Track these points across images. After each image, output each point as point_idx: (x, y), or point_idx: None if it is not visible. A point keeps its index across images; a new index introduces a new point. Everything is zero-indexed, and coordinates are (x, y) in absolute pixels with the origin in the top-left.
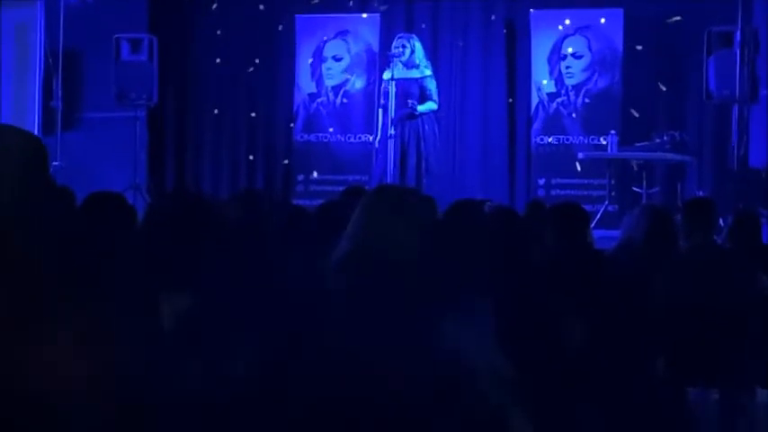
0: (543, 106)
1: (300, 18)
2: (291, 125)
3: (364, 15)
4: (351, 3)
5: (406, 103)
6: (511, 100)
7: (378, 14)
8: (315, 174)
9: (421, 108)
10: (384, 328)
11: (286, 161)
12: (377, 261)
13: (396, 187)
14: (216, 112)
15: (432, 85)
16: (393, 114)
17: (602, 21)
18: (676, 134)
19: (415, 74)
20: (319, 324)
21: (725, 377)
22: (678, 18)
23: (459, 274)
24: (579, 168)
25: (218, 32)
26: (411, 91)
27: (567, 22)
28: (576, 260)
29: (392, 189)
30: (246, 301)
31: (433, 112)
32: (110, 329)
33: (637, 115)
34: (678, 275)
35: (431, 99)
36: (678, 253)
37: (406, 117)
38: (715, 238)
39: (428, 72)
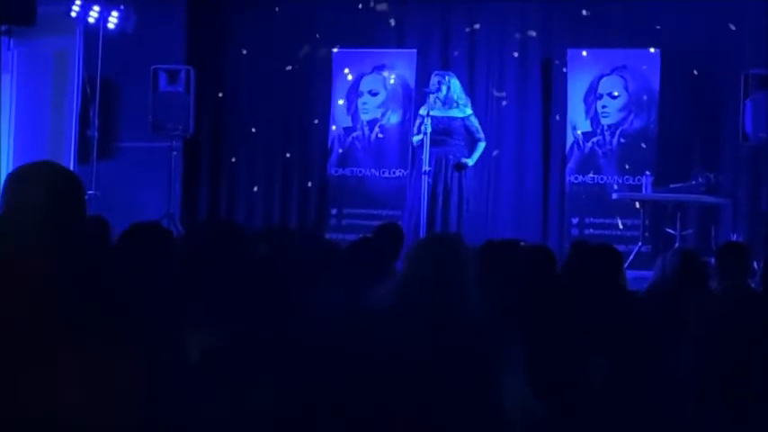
0: (578, 145)
1: (338, 52)
2: (326, 159)
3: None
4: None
5: (447, 141)
6: (546, 139)
7: (415, 50)
8: (343, 209)
9: (472, 161)
10: (430, 363)
11: (318, 195)
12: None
13: (452, 236)
14: (251, 144)
15: (475, 123)
16: (428, 151)
17: (644, 67)
18: (711, 176)
19: (456, 113)
20: (352, 364)
21: (756, 423)
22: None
23: (496, 313)
24: (613, 208)
25: (255, 66)
26: (456, 129)
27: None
28: (609, 301)
29: (450, 238)
30: (272, 337)
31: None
32: (131, 360)
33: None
34: (710, 318)
35: (476, 137)
36: (710, 295)
37: (455, 168)
38: (749, 281)
39: (469, 111)
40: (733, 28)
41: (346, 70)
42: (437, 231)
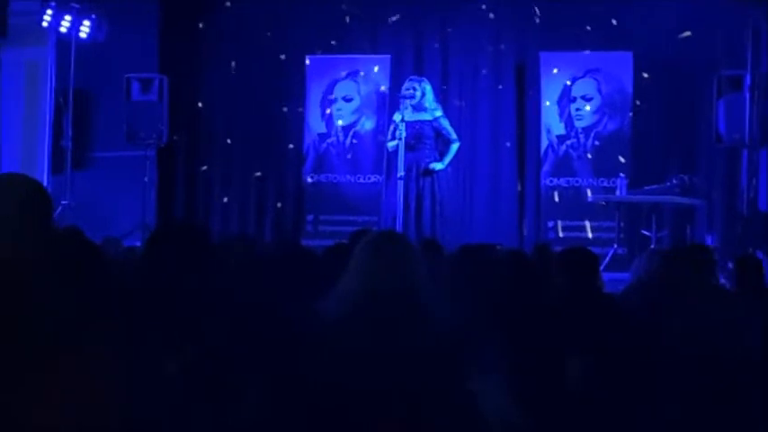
0: (553, 148)
1: (311, 59)
2: (301, 166)
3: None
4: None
5: (418, 146)
6: (520, 143)
7: (389, 56)
8: (319, 215)
9: (443, 164)
10: (401, 371)
11: (295, 202)
12: (391, 307)
13: (397, 234)
14: (225, 152)
15: (445, 123)
16: (403, 156)
17: (617, 70)
18: (686, 177)
19: (426, 116)
20: (325, 367)
21: (736, 425)
22: (688, 33)
23: (469, 318)
24: (588, 211)
25: (229, 73)
26: (425, 133)
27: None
28: (586, 304)
29: (391, 234)
30: (249, 344)
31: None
32: (107, 373)
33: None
34: (686, 320)
35: (449, 138)
36: (686, 297)
37: (423, 174)
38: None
39: (439, 113)
40: (688, 34)
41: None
42: (396, 233)
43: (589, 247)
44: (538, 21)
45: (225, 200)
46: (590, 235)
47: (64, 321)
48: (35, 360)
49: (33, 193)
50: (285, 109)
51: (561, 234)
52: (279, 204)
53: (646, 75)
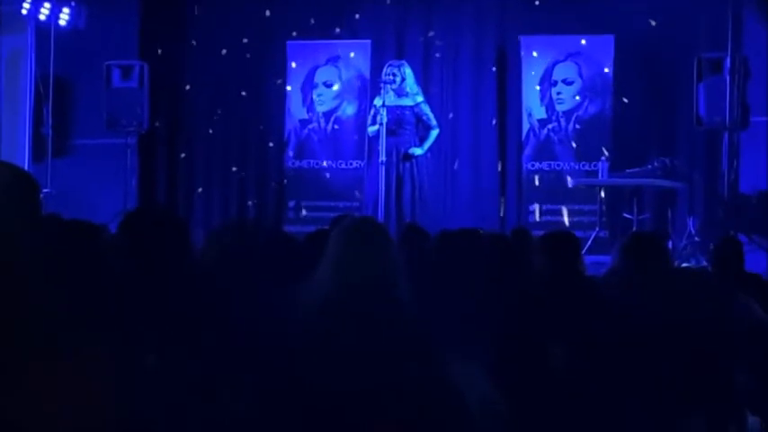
0: (534, 132)
1: (291, 44)
2: (283, 151)
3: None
4: (337, 30)
5: (398, 131)
6: (501, 127)
7: (369, 41)
8: (301, 201)
9: (422, 150)
10: (379, 360)
11: (276, 185)
12: (365, 295)
13: (364, 219)
14: (207, 139)
15: (427, 110)
16: (384, 141)
17: (598, 53)
18: (667, 160)
19: (407, 102)
20: (306, 353)
21: (711, 403)
22: (654, 23)
23: (451, 306)
24: (570, 194)
25: (209, 59)
26: (406, 119)
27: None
28: (568, 287)
29: (364, 221)
30: (233, 336)
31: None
32: (96, 365)
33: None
34: (664, 301)
35: (429, 124)
36: (665, 278)
37: (403, 158)
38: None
39: (420, 98)
40: (653, 23)
41: (294, 63)
42: (370, 221)
43: (571, 231)
44: (518, 4)
45: (206, 187)
46: (566, 221)
47: (58, 319)
48: (29, 360)
49: (18, 180)
50: (266, 95)
51: (543, 218)
52: (260, 191)
53: (626, 59)
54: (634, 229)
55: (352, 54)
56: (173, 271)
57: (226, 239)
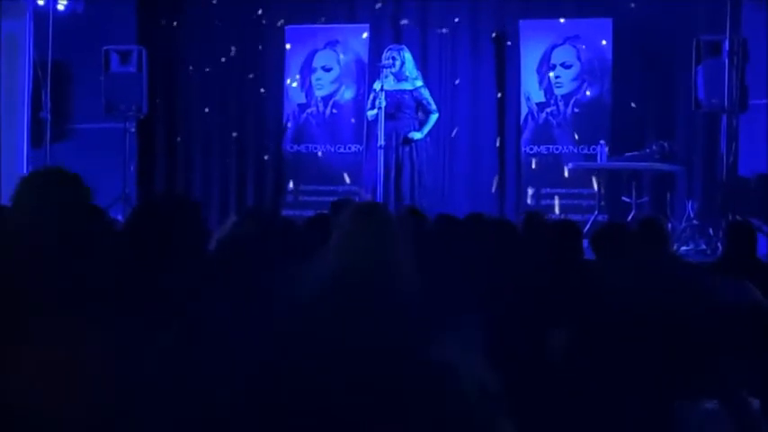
0: (533, 116)
1: (291, 29)
2: (281, 136)
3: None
4: (337, 12)
5: (398, 115)
6: (501, 110)
7: (367, 25)
8: (299, 185)
9: (422, 134)
10: (376, 338)
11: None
12: (368, 276)
13: (376, 204)
14: (205, 123)
15: (426, 94)
16: (383, 125)
17: (597, 37)
18: (665, 144)
19: (406, 86)
20: (310, 336)
21: (715, 388)
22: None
23: (449, 287)
24: (568, 178)
25: (208, 44)
26: (405, 103)
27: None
28: (568, 276)
29: (376, 207)
30: (237, 315)
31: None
32: (99, 345)
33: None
34: (665, 286)
35: (428, 109)
36: (665, 263)
37: (403, 142)
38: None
39: (419, 83)
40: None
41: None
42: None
43: (570, 215)
44: None
45: (205, 171)
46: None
47: (59, 292)
48: (17, 328)
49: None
50: (264, 80)
51: (542, 201)
52: (259, 175)
53: (624, 41)
54: (633, 212)
55: (350, 38)
56: (191, 254)
57: (246, 228)
